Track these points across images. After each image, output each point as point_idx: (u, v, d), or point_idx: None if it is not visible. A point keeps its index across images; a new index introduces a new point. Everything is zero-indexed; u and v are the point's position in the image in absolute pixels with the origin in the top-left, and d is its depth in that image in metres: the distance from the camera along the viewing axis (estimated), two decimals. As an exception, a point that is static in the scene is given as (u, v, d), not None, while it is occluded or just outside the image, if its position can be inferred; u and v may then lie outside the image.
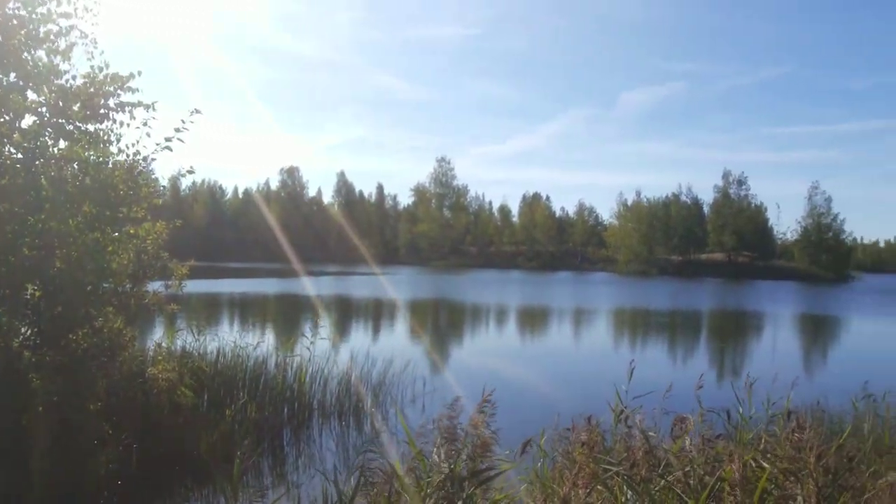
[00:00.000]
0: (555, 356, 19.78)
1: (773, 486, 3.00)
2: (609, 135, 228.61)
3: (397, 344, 19.68)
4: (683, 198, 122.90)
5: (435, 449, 3.53)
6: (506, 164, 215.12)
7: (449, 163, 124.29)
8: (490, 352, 20.15)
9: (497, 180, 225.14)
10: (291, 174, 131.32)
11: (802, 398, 9.43)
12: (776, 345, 25.18)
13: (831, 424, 8.41)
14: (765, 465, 3.21)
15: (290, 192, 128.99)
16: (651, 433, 3.77)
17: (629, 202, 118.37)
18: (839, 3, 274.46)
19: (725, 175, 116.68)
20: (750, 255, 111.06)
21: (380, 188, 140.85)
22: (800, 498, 2.62)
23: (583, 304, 39.79)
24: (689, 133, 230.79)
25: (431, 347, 20.48)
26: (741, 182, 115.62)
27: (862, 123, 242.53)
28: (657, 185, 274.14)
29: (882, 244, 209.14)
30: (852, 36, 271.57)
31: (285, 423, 10.42)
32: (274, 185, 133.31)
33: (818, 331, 31.02)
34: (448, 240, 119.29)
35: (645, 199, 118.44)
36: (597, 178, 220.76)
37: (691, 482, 3.11)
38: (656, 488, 3.14)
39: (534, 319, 30.67)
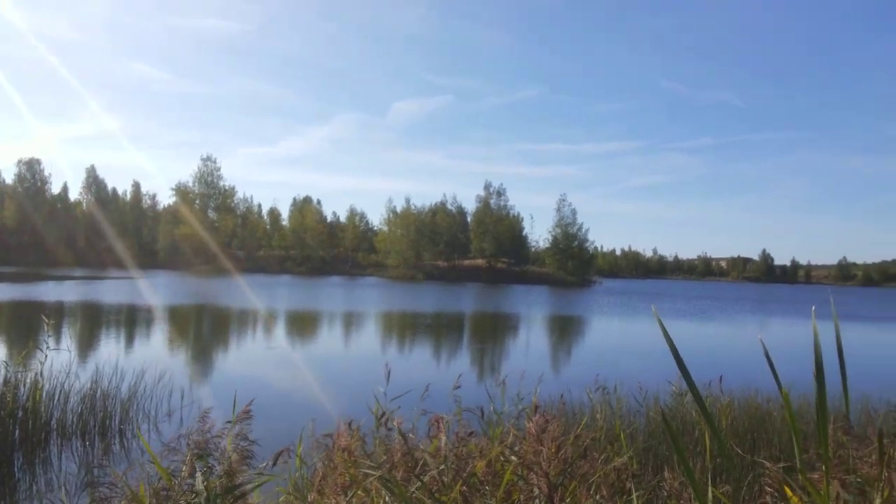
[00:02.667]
0: (322, 361, 19.66)
1: (518, 478, 3.21)
2: (381, 141, 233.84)
3: (152, 354, 18.35)
4: (449, 206, 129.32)
5: (184, 466, 3.31)
6: (276, 165, 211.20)
7: (215, 162, 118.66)
8: (255, 359, 19.53)
9: (267, 182, 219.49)
10: (31, 167, 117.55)
11: (550, 393, 10.29)
12: (529, 344, 27.21)
13: (573, 416, 9.24)
14: (513, 458, 3.41)
15: (29, 188, 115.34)
16: (410, 434, 3.86)
17: (398, 209, 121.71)
18: (584, 35, 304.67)
19: (486, 186, 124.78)
20: (507, 261, 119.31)
21: (136, 186, 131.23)
22: (535, 488, 2.83)
23: (352, 308, 40.06)
24: (455, 145, 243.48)
25: (191, 357, 19.39)
26: (500, 193, 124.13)
27: (600, 145, 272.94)
28: (425, 192, 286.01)
29: (618, 252, 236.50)
30: (595, 66, 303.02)
31: (17, 447, 9.24)
32: (9, 178, 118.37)
33: (565, 330, 34.05)
34: (213, 243, 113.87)
35: (413, 206, 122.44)
36: (368, 184, 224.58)
37: (445, 480, 3.22)
38: (413, 489, 3.21)
39: (302, 324, 30.27)
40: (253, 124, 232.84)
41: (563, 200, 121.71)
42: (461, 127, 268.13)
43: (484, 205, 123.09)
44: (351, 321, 32.60)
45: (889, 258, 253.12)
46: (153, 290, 49.11)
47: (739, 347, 28.57)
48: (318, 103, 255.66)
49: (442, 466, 3.25)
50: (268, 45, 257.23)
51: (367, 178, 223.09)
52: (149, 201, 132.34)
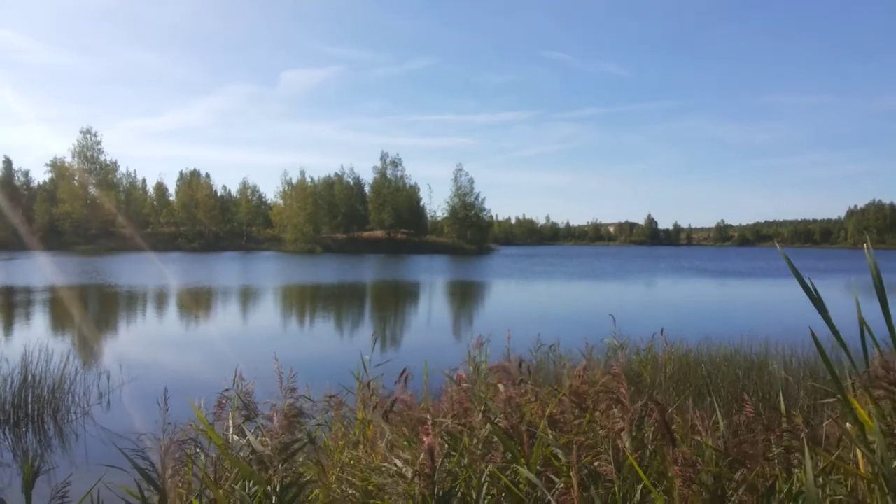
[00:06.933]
0: (234, 337, 19.11)
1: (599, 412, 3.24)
2: (273, 113, 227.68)
3: (52, 339, 17.26)
4: (346, 178, 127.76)
5: (230, 431, 3.09)
6: (161, 139, 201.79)
7: (95, 135, 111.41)
8: (180, 338, 18.74)
9: (151, 156, 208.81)
10: None
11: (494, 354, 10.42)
12: (467, 309, 27.43)
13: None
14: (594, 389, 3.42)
15: None
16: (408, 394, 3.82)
17: (294, 181, 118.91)
18: (474, 6, 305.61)
19: (383, 157, 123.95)
20: (406, 231, 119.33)
21: (7, 162, 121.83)
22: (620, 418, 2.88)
23: (251, 283, 39.03)
24: (349, 116, 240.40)
25: (101, 340, 18.36)
26: (396, 164, 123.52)
27: (493, 115, 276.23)
28: (321, 164, 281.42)
29: (513, 220, 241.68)
30: (486, 37, 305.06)
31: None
32: None
33: (468, 294, 34.54)
34: (96, 221, 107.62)
35: (309, 179, 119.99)
36: (261, 157, 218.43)
37: (513, 423, 3.21)
38: (484, 432, 3.16)
39: (207, 300, 29.18)
40: (134, 96, 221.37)
41: (460, 170, 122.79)
42: (354, 98, 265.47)
43: (381, 176, 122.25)
44: (250, 295, 31.77)
45: (762, 220, 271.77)
46: (31, 272, 45.97)
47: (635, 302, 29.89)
48: (205, 73, 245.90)
49: (508, 409, 3.22)
50: (150, 13, 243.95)
51: (258, 151, 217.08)
52: (21, 178, 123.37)
